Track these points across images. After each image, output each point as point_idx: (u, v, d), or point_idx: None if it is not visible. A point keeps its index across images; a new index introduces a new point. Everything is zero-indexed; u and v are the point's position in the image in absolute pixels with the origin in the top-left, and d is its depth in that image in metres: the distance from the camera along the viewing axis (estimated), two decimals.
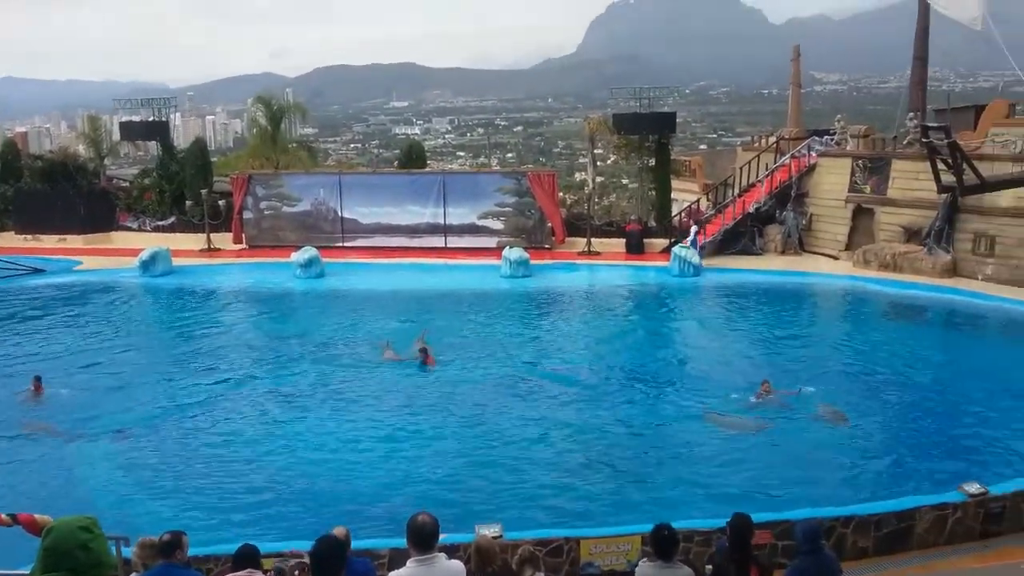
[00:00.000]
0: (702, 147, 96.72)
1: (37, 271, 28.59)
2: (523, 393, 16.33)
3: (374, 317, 22.83)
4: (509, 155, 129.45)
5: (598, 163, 37.35)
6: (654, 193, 31.99)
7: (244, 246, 32.25)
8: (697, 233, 28.63)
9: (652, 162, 31.94)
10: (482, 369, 17.78)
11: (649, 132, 31.54)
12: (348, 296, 25.39)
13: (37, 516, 6.01)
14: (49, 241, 33.01)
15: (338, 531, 6.58)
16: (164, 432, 14.71)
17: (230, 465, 13.25)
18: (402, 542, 8.70)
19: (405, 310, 23.49)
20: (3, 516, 6.25)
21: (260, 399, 16.36)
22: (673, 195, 33.13)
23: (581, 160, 57.53)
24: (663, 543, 6.17)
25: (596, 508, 11.35)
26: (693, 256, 26.69)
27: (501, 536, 9.21)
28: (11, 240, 33.34)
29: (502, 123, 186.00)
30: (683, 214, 31.77)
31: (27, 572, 5.58)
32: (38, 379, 16.57)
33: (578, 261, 29.16)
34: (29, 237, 33.47)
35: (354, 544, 6.99)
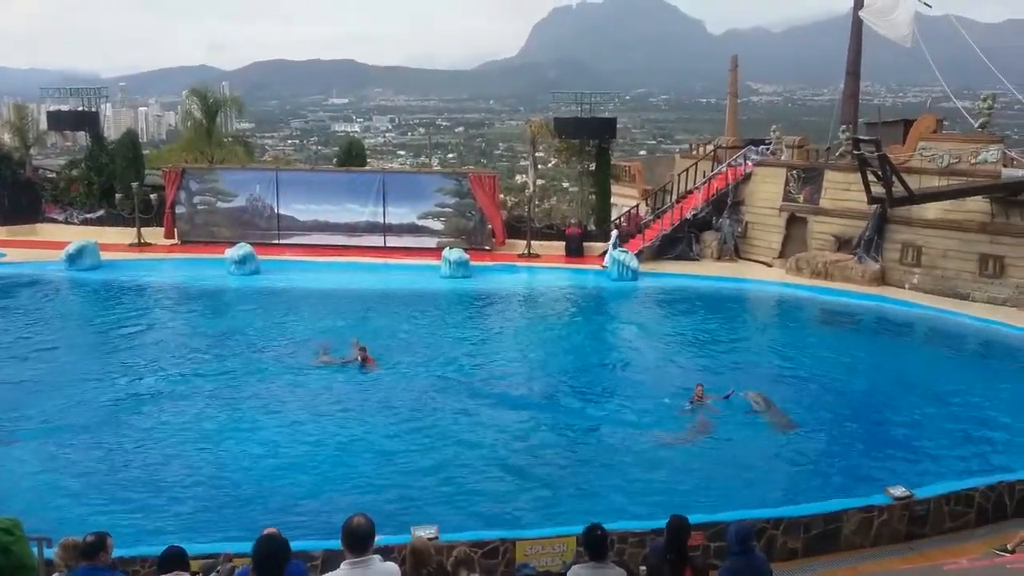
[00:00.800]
0: (642, 153, 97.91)
1: None
2: (461, 395, 16.28)
3: (311, 316, 22.53)
4: (450, 155, 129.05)
5: (539, 166, 37.59)
6: (594, 197, 32.25)
7: (176, 241, 31.47)
8: (618, 237, 28.81)
9: (592, 166, 32.19)
10: (420, 371, 17.69)
11: (590, 137, 31.79)
12: (284, 294, 24.99)
13: None
14: None
15: (268, 532, 6.45)
16: (89, 431, 14.26)
17: (157, 465, 12.92)
18: (336, 543, 8.60)
19: (343, 309, 23.21)
20: None
21: (190, 398, 15.98)
22: (613, 200, 33.44)
23: (522, 163, 57.83)
24: (595, 543, 6.20)
25: (531, 510, 11.36)
26: (631, 260, 26.98)
27: (436, 538, 9.16)
28: None
29: (443, 123, 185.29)
30: (621, 219, 32.09)
31: None
32: None
33: (518, 263, 29.21)
34: None
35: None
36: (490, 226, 30.92)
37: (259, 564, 4.93)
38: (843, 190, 27.42)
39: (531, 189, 34.22)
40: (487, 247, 30.72)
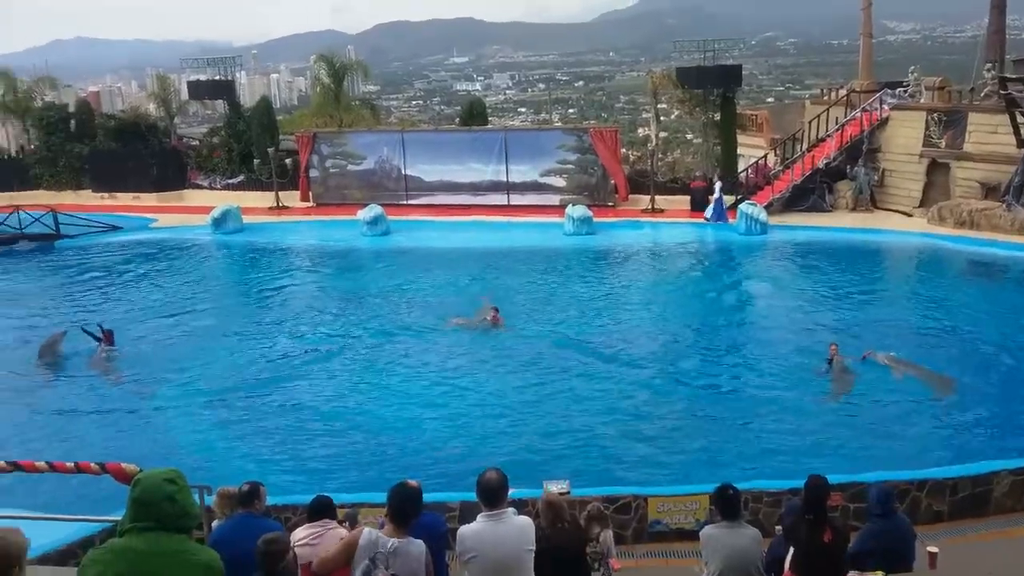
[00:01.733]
0: (769, 100, 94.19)
1: (114, 228, 29.56)
2: (589, 353, 16.39)
3: (440, 275, 23.03)
4: (571, 110, 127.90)
5: (661, 118, 36.70)
6: (719, 149, 31.38)
7: (311, 204, 32.70)
8: (721, 190, 28.10)
9: (717, 117, 31.27)
10: (548, 329, 17.85)
11: (714, 86, 30.81)
12: (413, 253, 25.65)
13: (124, 465, 6.26)
14: (124, 199, 33.97)
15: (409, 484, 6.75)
16: (242, 387, 15.19)
17: (303, 419, 13.66)
18: (472, 496, 8.98)
19: (469, 268, 23.64)
20: (93, 465, 6.48)
21: (330, 356, 16.76)
22: (739, 150, 32.43)
23: (644, 115, 56.58)
24: (727, 503, 6.15)
25: (664, 467, 11.41)
26: (760, 213, 26.21)
27: (568, 492, 9.30)
28: (88, 198, 34.38)
29: (563, 78, 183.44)
30: (750, 170, 31.13)
31: (117, 519, 5.88)
32: (109, 332, 17.15)
33: (641, 219, 28.85)
34: (105, 195, 34.48)
35: (425, 497, 7.15)
36: (613, 181, 30.62)
37: (393, 509, 5.17)
38: (989, 133, 25.60)
39: (654, 142, 33.53)
40: (610, 203, 30.47)
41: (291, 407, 14.18)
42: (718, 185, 28.16)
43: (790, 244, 25.27)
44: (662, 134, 36.46)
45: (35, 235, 28.15)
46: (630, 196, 30.73)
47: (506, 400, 14.05)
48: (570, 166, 30.92)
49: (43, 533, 8.00)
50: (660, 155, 33.36)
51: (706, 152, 32.14)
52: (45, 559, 8.12)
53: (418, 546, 5.16)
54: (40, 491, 9.72)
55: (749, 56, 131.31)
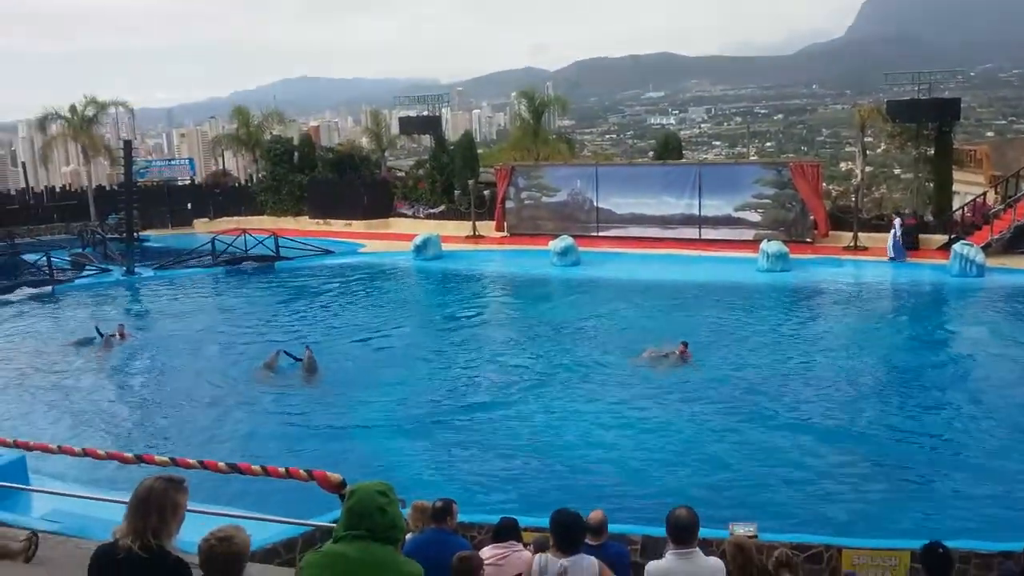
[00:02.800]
0: (989, 135, 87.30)
1: (327, 252, 32.01)
2: (783, 391, 15.85)
3: (629, 306, 23.07)
4: (768, 144, 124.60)
5: (867, 152, 35.06)
6: (931, 185, 29.49)
7: (505, 233, 33.85)
8: (901, 226, 26.71)
9: (931, 151, 29.43)
10: (737, 366, 17.43)
11: (928, 120, 29.08)
12: (602, 284, 25.87)
13: (329, 473, 6.75)
14: (337, 225, 36.69)
15: (595, 514, 6.74)
16: (434, 406, 15.90)
17: (490, 440, 14.08)
18: (653, 530, 8.96)
19: (659, 300, 23.53)
20: (301, 471, 6.97)
21: (521, 381, 17.18)
22: (955, 188, 30.34)
23: (847, 149, 54.30)
24: (937, 563, 5.63)
25: (860, 517, 10.85)
26: (976, 254, 24.34)
27: (756, 536, 9.05)
28: (306, 224, 37.42)
29: (762, 111, 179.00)
30: (966, 208, 29.02)
31: (328, 524, 6.37)
32: (308, 349, 18.40)
33: (842, 256, 27.58)
34: (320, 221, 37.40)
35: (609, 528, 7.21)
36: (812, 217, 29.53)
37: (558, 535, 5.33)
38: None
39: (859, 177, 32.09)
40: (808, 239, 29.37)
41: (479, 428, 14.66)
42: (897, 221, 26.92)
43: (1011, 289, 23.24)
44: (868, 169, 34.79)
45: (258, 256, 30.95)
46: (831, 233, 29.48)
47: (691, 435, 13.86)
48: (767, 201, 30.14)
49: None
50: (865, 190, 31.82)
51: (917, 188, 30.33)
52: (251, 556, 8.79)
53: (590, 561, 5.31)
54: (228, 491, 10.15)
55: (967, 88, 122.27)
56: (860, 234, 28.17)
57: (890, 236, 26.71)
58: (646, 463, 12.85)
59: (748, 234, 29.88)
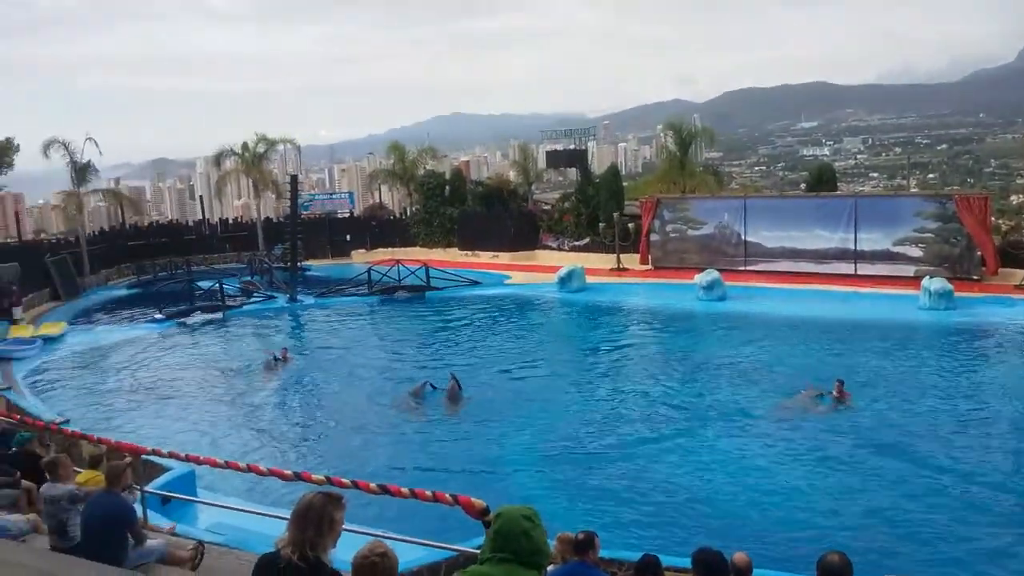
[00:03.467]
0: None
1: (475, 283, 32.87)
2: (941, 439, 14.91)
3: (779, 344, 22.39)
4: (930, 175, 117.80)
5: None
6: None
7: (649, 267, 33.64)
8: None
9: None
10: (902, 410, 16.53)
11: None
12: (750, 320, 25.23)
13: (473, 499, 6.95)
14: (484, 257, 37.60)
15: (739, 556, 6.66)
16: (575, 438, 15.97)
17: (638, 477, 13.95)
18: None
19: (811, 339, 22.69)
20: (447, 496, 7.20)
21: (667, 417, 17.00)
22: None
23: (1019, 181, 50.56)
24: None
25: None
26: None
27: None
28: (455, 255, 38.56)
29: (923, 141, 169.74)
30: None
31: (472, 550, 6.53)
32: (453, 377, 18.97)
33: (1015, 296, 25.72)
34: (469, 253, 38.43)
35: (755, 573, 7.02)
36: (979, 253, 27.75)
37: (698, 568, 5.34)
38: None
39: None
40: (975, 276, 27.60)
41: (623, 464, 14.58)
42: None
43: None
44: None
45: (411, 286, 32.16)
46: (1000, 270, 27.59)
47: (846, 482, 13.27)
48: (929, 235, 28.60)
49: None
50: None
51: None
52: None
53: None
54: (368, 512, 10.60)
55: None
56: None
57: None
58: (796, 508, 12.40)
59: (908, 270, 28.42)
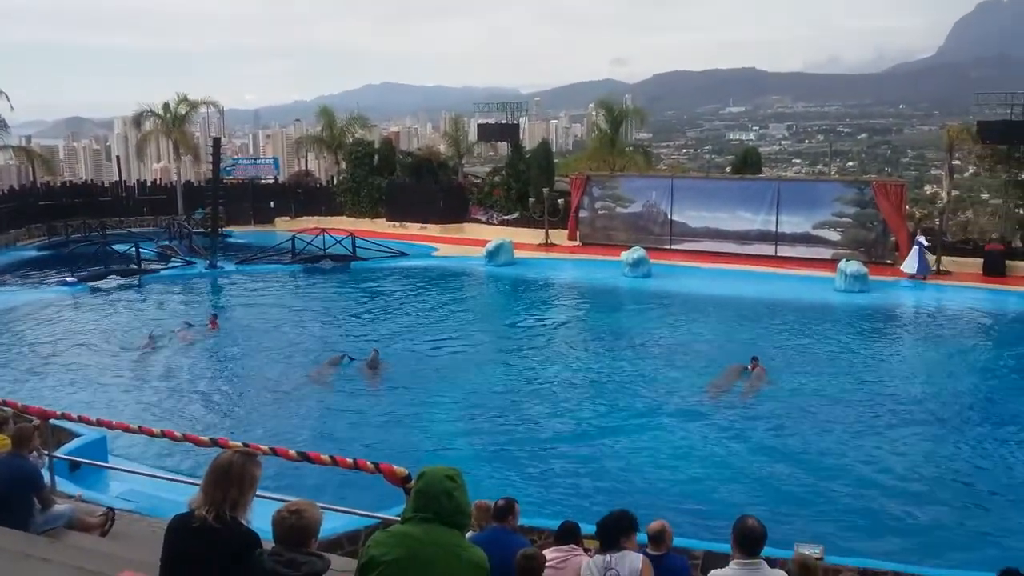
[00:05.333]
0: None
1: (402, 254, 32.54)
2: (853, 414, 15.51)
3: (701, 321, 22.87)
4: (850, 163, 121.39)
5: (955, 175, 33.98)
6: (1022, 211, 28.42)
7: (577, 243, 33.85)
8: (925, 246, 26.84)
9: (1021, 175, 28.39)
10: (811, 388, 17.10)
11: (1020, 142, 28.08)
12: (674, 298, 25.65)
13: (395, 467, 6.87)
14: (412, 228, 37.22)
15: (655, 523, 6.80)
16: (497, 408, 16.08)
17: (551, 446, 14.16)
18: (715, 546, 8.87)
19: (731, 318, 23.26)
20: (368, 464, 7.05)
21: (588, 390, 17.23)
22: None
23: (933, 171, 52.63)
24: None
25: (933, 544, 10.56)
26: None
27: (822, 558, 8.88)
28: (382, 226, 38.07)
29: (845, 130, 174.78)
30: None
31: (393, 518, 6.48)
32: (375, 351, 18.86)
33: (924, 280, 26.79)
34: (397, 224, 37.99)
35: (673, 542, 7.14)
36: (893, 238, 28.77)
37: (602, 534, 5.61)
38: None
39: (945, 200, 31.11)
40: (888, 261, 28.61)
41: (546, 435, 14.73)
42: (921, 238, 27.10)
43: None
44: (954, 192, 33.70)
45: (336, 255, 31.63)
46: None
47: (761, 454, 13.67)
48: (847, 220, 29.47)
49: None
50: (950, 214, 30.84)
51: (1006, 213, 29.29)
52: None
53: (634, 557, 5.45)
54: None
55: None
56: (944, 258, 27.34)
57: (914, 251, 26.63)
58: (713, 480, 12.74)
59: (826, 253, 29.26)
